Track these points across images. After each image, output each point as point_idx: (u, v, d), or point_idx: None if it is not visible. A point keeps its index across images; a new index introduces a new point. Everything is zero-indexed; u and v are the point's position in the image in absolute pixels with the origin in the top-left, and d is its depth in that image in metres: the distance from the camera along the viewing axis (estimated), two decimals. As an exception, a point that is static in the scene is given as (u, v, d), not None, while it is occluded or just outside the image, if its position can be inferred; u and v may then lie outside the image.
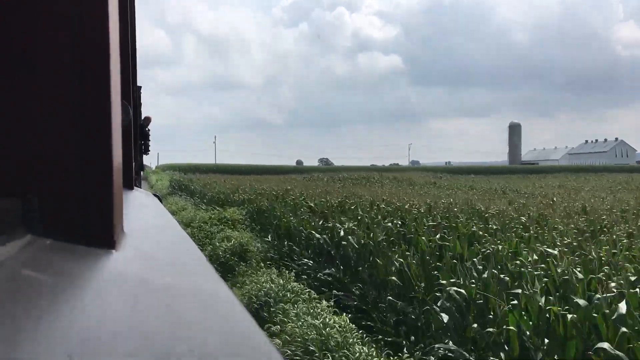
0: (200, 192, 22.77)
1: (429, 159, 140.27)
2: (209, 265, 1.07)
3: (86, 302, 0.54)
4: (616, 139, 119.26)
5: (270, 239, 10.67)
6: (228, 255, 9.30)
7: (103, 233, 0.75)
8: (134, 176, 3.06)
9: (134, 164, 3.17)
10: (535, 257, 5.65)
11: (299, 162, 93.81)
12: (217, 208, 15.81)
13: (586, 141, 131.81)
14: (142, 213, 1.87)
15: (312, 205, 12.23)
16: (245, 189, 19.78)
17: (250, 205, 15.00)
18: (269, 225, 11.89)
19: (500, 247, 6.16)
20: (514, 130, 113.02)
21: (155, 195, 3.69)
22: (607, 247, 6.29)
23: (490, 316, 4.53)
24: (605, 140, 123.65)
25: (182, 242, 1.43)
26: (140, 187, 4.18)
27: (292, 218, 10.94)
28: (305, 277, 7.92)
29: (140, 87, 4.04)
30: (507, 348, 4.22)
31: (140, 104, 4.16)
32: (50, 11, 0.72)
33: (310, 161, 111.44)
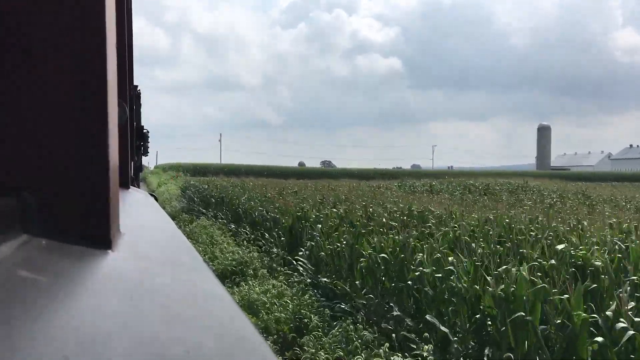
0: (283, 228, 10.79)
1: (429, 163, 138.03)
2: (206, 265, 1.12)
3: (82, 303, 0.58)
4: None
5: None
6: None
7: (99, 233, 0.80)
8: (130, 175, 3.13)
9: (131, 163, 3.24)
10: None
11: (300, 164, 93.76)
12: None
13: (630, 145, 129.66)
14: (138, 212, 1.93)
15: None
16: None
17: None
18: None
19: None
20: (543, 133, 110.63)
21: (151, 194, 3.76)
22: None
23: None
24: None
25: (178, 242, 1.49)
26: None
27: None
28: None
29: (137, 86, 4.11)
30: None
31: (140, 105, 4.24)
32: (47, 10, 0.76)
33: (311, 162, 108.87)
